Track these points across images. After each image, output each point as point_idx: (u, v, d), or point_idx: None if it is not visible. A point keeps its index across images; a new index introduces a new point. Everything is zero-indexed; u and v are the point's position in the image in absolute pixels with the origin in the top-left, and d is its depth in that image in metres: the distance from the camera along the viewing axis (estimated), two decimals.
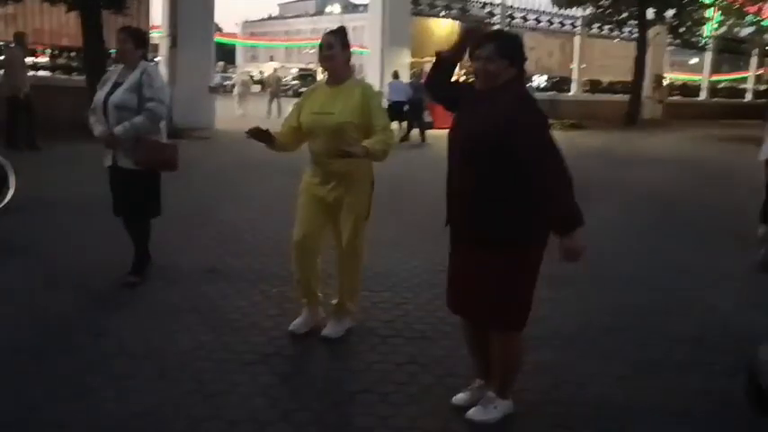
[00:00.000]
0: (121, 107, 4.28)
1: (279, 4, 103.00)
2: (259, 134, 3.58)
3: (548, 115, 2.80)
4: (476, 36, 2.86)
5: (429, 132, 15.28)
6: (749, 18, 24.84)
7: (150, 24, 16.31)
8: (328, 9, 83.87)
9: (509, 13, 23.58)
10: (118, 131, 4.26)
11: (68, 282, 4.58)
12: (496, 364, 2.92)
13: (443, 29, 21.97)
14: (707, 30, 28.69)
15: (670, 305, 4.64)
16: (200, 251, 5.45)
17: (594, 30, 25.70)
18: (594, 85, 27.11)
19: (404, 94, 15.48)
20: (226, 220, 6.61)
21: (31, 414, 2.91)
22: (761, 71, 33.75)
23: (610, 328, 4.16)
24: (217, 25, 22.43)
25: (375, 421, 2.94)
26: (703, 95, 31.68)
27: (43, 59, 15.82)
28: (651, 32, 24.02)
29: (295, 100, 17.77)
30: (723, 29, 27.26)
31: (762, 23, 24.90)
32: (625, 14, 24.30)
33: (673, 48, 28.87)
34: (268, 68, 56.13)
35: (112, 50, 14.87)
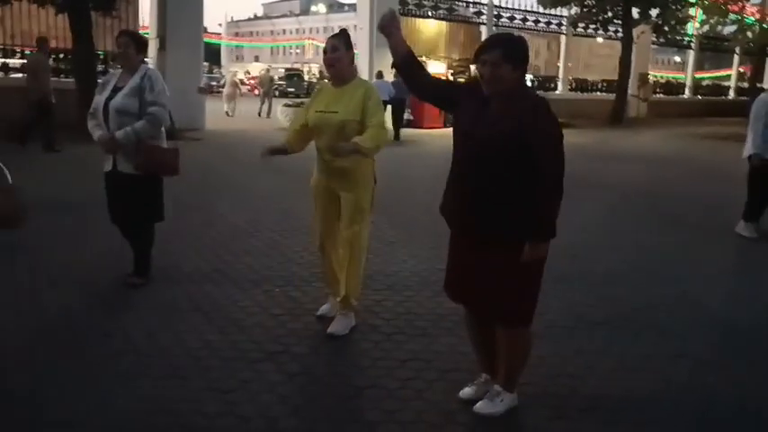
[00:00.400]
0: (122, 111, 4.31)
1: (263, 4, 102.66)
2: (275, 152, 3.90)
3: None
4: (390, 27, 2.99)
5: (416, 132, 15.41)
6: (732, 16, 25.16)
7: (139, 26, 16.30)
8: (313, 9, 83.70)
9: (496, 12, 23.75)
10: (119, 136, 4.29)
11: (73, 282, 4.64)
12: (503, 358, 3.02)
13: (431, 29, 22.09)
14: (690, 28, 29.09)
15: (659, 299, 4.77)
16: (201, 252, 5.52)
17: (580, 29, 25.98)
18: (580, 84, 27.35)
19: (387, 94, 15.65)
20: (224, 220, 6.69)
21: (45, 414, 2.96)
22: (743, 69, 34.18)
23: (602, 322, 4.29)
24: None
25: (383, 416, 3.04)
26: (687, 93, 32.05)
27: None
28: (636, 31, 24.32)
29: (284, 100, 17.69)
30: (706, 27, 27.59)
31: (745, 21, 25.23)
32: (610, 14, 24.58)
33: (656, 46, 29.21)
34: (254, 69, 55.91)
35: (101, 52, 14.93)
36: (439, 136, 15.41)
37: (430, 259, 5.34)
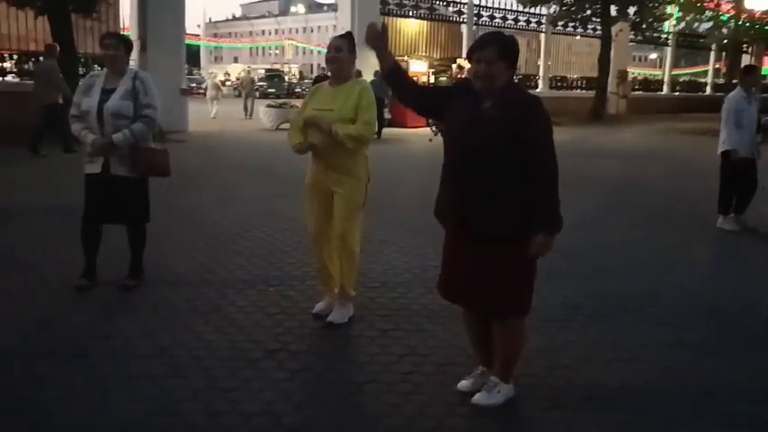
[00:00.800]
0: (118, 114, 4.30)
1: (242, 5, 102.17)
2: (308, 148, 3.96)
3: None
4: (376, 41, 3.09)
5: (400, 131, 15.47)
6: (708, 13, 25.52)
7: (120, 27, 16.18)
8: (293, 9, 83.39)
9: (476, 11, 23.89)
10: (117, 139, 4.28)
11: (69, 286, 4.60)
12: (500, 349, 3.08)
13: (412, 28, 22.16)
14: (666, 26, 29.49)
15: (649, 291, 4.87)
16: (192, 254, 5.53)
17: (559, 27, 26.22)
18: (558, 82, 27.57)
19: None
20: (215, 222, 6.68)
21: (47, 418, 2.97)
22: (719, 65, 34.68)
23: (596, 314, 4.37)
24: None
25: (386, 410, 3.09)
26: (665, 90, 32.46)
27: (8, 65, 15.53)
28: (614, 29, 24.59)
29: (266, 101, 17.64)
30: (682, 24, 27.96)
31: (720, 18, 25.59)
32: (589, 12, 24.85)
33: (633, 44, 29.56)
34: (233, 70, 55.54)
35: (81, 54, 14.79)
36: (423, 135, 15.49)
37: (420, 256, 5.40)
